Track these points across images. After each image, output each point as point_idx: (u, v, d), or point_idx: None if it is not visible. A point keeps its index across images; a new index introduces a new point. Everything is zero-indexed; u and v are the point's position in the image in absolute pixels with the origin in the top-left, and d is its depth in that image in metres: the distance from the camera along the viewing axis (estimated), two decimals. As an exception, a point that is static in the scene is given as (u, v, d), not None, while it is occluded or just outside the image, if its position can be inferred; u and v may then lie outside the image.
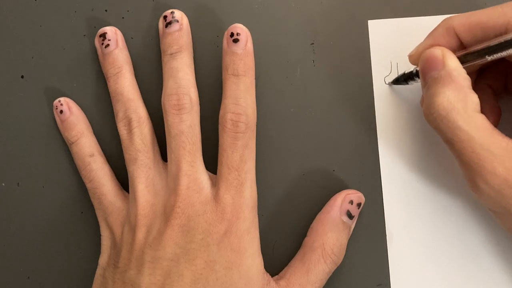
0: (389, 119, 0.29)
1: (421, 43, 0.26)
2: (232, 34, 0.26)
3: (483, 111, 0.23)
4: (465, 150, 0.23)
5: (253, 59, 0.27)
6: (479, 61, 0.23)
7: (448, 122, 0.23)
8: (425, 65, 0.24)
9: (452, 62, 0.24)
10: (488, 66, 0.27)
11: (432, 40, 0.25)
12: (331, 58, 0.29)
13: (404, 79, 0.28)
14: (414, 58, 0.26)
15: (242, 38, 0.26)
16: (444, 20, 0.25)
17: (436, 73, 0.24)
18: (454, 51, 0.24)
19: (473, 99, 0.23)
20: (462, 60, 0.24)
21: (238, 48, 0.26)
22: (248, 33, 0.27)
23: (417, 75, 0.26)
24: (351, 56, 0.29)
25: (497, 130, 0.23)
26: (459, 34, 0.24)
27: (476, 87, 0.27)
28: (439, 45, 0.25)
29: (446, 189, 0.29)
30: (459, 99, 0.23)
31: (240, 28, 0.27)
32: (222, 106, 0.26)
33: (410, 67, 0.27)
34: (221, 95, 0.27)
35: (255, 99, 0.27)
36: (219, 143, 0.26)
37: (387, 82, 0.29)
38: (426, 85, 0.24)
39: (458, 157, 0.23)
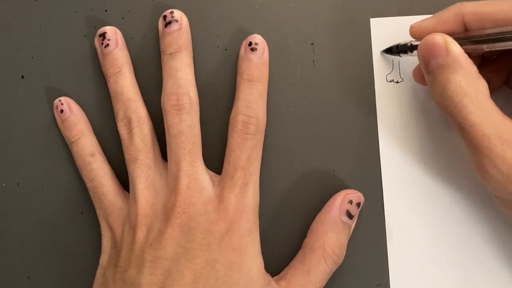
0: (390, 119, 0.29)
1: (426, 19, 0.26)
2: (250, 43, 0.28)
3: None
4: (476, 134, 0.23)
5: (268, 69, 0.28)
6: (475, 48, 0.23)
7: (462, 108, 0.23)
8: (426, 52, 0.24)
9: (456, 49, 0.24)
10: (490, 59, 0.27)
11: (437, 20, 0.25)
12: (331, 58, 0.29)
13: (398, 50, 0.27)
14: (415, 30, 0.26)
15: (259, 48, 0.28)
16: (456, 4, 0.25)
17: (441, 60, 0.24)
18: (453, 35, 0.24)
19: (483, 84, 0.23)
20: (460, 44, 0.24)
21: (255, 56, 0.28)
22: (266, 45, 0.28)
23: (411, 49, 0.26)
24: (352, 56, 0.29)
25: (506, 116, 0.23)
26: (467, 22, 0.24)
27: None
28: (443, 26, 0.25)
29: (447, 190, 0.28)
30: (470, 85, 0.23)
31: (258, 39, 0.28)
32: (234, 108, 0.27)
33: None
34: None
35: (266, 105, 0.28)
36: (228, 143, 0.27)
37: (380, 51, 0.29)
38: (431, 73, 0.24)
39: (468, 141, 0.24)
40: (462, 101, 0.23)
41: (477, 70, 0.24)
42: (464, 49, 0.24)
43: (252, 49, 0.28)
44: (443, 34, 0.24)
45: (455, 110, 0.23)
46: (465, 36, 0.24)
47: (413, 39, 0.27)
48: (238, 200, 0.26)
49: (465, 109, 0.23)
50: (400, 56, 0.28)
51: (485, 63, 0.28)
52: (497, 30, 0.22)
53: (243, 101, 0.27)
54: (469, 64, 0.23)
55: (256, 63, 0.27)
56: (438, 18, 0.25)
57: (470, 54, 0.24)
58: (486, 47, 0.23)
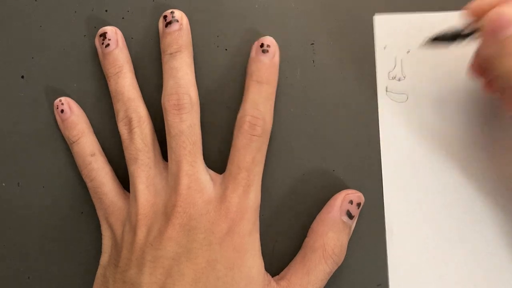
0: (392, 118, 0.29)
1: None
2: (262, 45, 0.28)
3: None
4: None
5: (278, 72, 0.28)
6: None
7: None
8: (494, 25, 0.22)
9: None
10: None
11: None
12: (331, 58, 0.29)
13: (451, 37, 0.25)
14: (474, 11, 0.24)
15: (271, 50, 0.28)
16: None
17: None
18: None
19: None
20: None
21: (266, 58, 0.27)
22: (277, 47, 0.28)
23: (467, 35, 0.24)
24: (352, 56, 0.29)
25: None
26: None
27: None
28: None
29: (447, 190, 0.28)
30: None
31: (270, 41, 0.28)
32: (242, 109, 0.27)
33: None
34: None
35: (273, 108, 0.28)
36: (233, 143, 0.27)
37: (424, 43, 0.26)
38: (500, 43, 0.22)
39: None
40: None
41: None
42: None
43: (264, 51, 0.27)
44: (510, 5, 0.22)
45: None
46: None
47: (469, 23, 0.24)
48: (240, 200, 0.26)
49: None
50: (453, 43, 0.25)
51: None
52: None
53: (251, 102, 0.27)
54: None
55: (267, 65, 0.27)
56: None
57: None
58: None
